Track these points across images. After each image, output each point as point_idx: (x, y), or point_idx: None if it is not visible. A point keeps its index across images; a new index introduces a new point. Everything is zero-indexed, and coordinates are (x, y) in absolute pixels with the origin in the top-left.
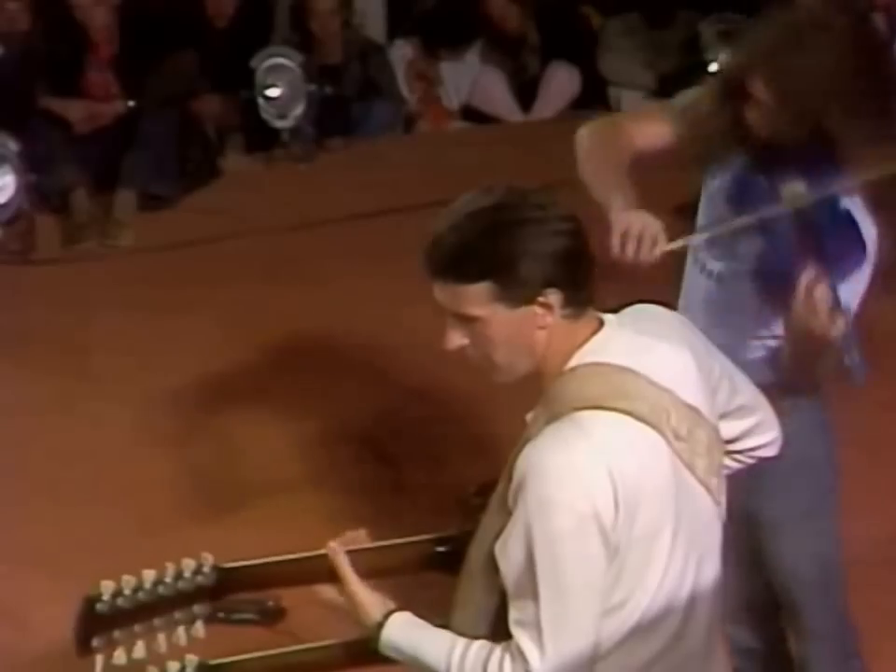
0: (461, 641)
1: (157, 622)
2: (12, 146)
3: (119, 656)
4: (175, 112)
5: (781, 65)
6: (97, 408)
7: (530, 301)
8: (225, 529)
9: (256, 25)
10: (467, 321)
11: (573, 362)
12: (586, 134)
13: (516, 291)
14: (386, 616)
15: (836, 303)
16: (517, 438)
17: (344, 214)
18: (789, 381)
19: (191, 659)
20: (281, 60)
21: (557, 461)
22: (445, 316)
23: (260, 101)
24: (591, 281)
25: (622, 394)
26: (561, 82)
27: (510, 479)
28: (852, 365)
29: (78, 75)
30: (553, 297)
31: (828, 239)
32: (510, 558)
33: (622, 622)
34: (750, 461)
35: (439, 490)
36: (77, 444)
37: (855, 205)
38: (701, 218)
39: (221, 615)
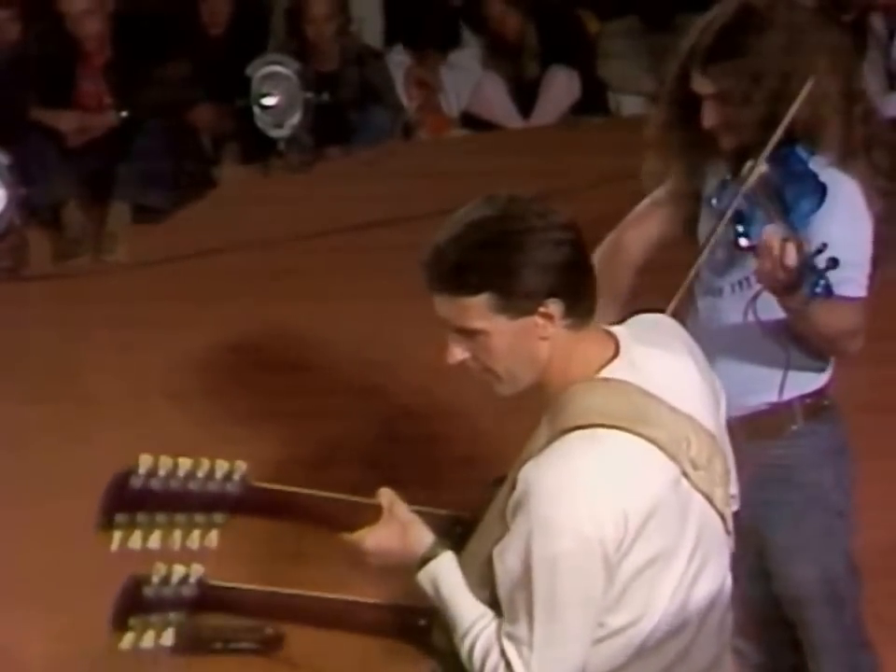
0: (487, 616)
1: (178, 517)
2: (2, 158)
3: (136, 540)
4: (169, 122)
5: (718, 55)
6: (91, 430)
7: (531, 311)
8: (225, 550)
9: (251, 33)
10: (468, 334)
11: (603, 374)
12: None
13: (517, 302)
14: (441, 548)
15: (790, 238)
16: (513, 454)
17: (343, 224)
18: (802, 346)
19: (197, 568)
20: (277, 68)
21: (564, 479)
22: (445, 330)
23: (256, 109)
24: (593, 291)
25: (643, 419)
26: (561, 87)
27: (512, 487)
28: (816, 287)
29: (70, 85)
30: (554, 307)
31: (785, 186)
32: (506, 569)
33: (626, 643)
34: None
35: (439, 502)
36: (71, 469)
37: (818, 164)
38: (700, 235)
39: (219, 645)
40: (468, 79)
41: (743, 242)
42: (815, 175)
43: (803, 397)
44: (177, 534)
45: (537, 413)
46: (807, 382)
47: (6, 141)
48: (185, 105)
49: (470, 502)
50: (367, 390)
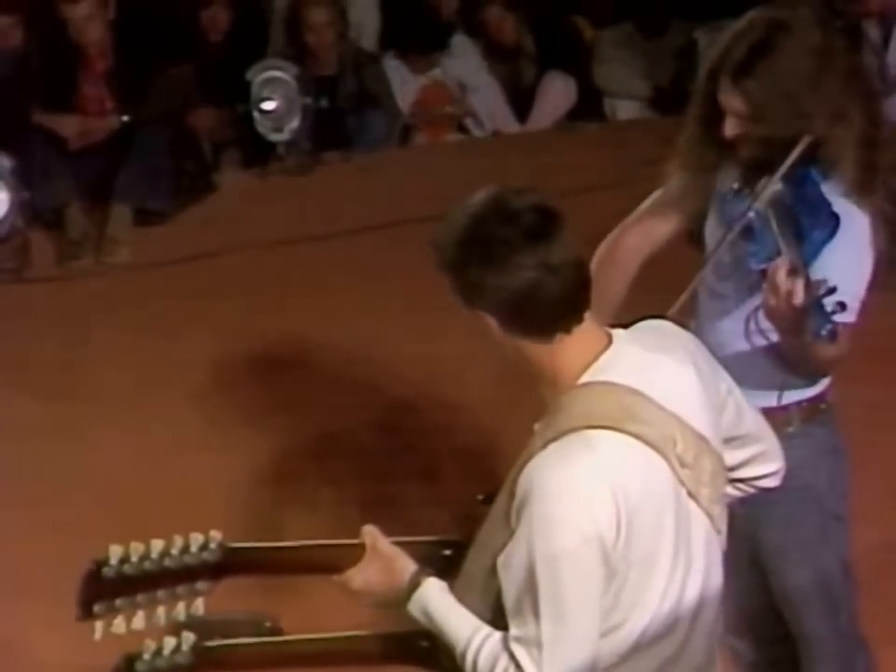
0: (484, 629)
1: (160, 594)
2: (6, 162)
3: (119, 625)
4: (169, 126)
5: (750, 71)
6: (94, 430)
7: (477, 311)
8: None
9: (251, 38)
10: None
11: (584, 378)
12: (595, 259)
13: (459, 295)
14: (424, 576)
15: (799, 273)
16: (511, 448)
17: (341, 228)
18: (792, 367)
19: (188, 636)
20: (276, 73)
21: (561, 480)
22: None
23: (256, 114)
24: (548, 317)
25: (631, 416)
26: (557, 92)
27: (511, 493)
28: (822, 329)
29: (72, 90)
30: (490, 320)
31: (798, 213)
32: (511, 575)
33: (619, 642)
34: (751, 490)
35: (435, 503)
36: (75, 468)
37: (831, 190)
38: (706, 235)
39: (218, 639)
40: (493, 98)
41: (753, 264)
42: (829, 205)
43: (800, 402)
44: (161, 610)
45: (534, 407)
46: (805, 389)
47: (9, 145)
48: (185, 109)
49: (468, 494)
50: (367, 388)
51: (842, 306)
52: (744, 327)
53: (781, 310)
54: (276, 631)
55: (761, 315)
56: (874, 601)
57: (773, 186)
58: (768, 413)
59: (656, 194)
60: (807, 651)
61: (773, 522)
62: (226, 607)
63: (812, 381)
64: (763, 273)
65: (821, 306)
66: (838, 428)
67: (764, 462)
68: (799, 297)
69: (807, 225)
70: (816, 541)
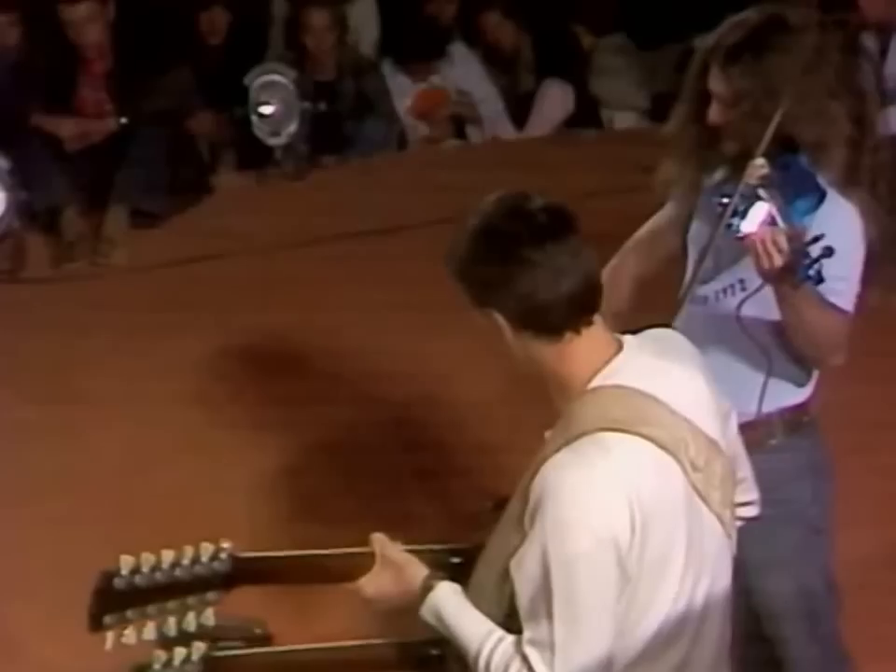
0: (497, 632)
1: (170, 604)
2: (3, 163)
3: (130, 635)
4: (167, 129)
5: (738, 58)
6: (89, 431)
7: (486, 310)
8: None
9: (249, 42)
10: None
11: (595, 383)
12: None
13: (469, 294)
14: (436, 580)
15: (780, 225)
16: (519, 454)
17: (338, 232)
18: (784, 353)
19: (198, 646)
20: (274, 77)
21: (575, 482)
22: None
23: (254, 118)
24: (557, 314)
25: (643, 419)
26: (555, 99)
27: (524, 497)
28: (809, 270)
29: (71, 92)
30: (496, 316)
31: (784, 185)
32: (525, 577)
33: (629, 646)
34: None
35: (443, 510)
36: (68, 470)
37: (823, 182)
38: (691, 237)
39: (207, 643)
40: (492, 105)
41: (735, 225)
42: (816, 181)
43: (782, 410)
44: (171, 621)
45: (541, 410)
46: (787, 395)
47: (6, 145)
48: (183, 112)
49: (477, 501)
50: (365, 391)
51: (829, 250)
52: (726, 325)
53: (771, 260)
54: (267, 637)
55: (744, 310)
56: (863, 616)
57: (757, 163)
58: (751, 423)
59: (655, 217)
60: (790, 666)
61: (754, 536)
62: (218, 612)
63: (795, 385)
64: (743, 239)
65: (807, 252)
66: (823, 442)
67: (744, 490)
68: (783, 244)
69: (793, 194)
70: (797, 556)
